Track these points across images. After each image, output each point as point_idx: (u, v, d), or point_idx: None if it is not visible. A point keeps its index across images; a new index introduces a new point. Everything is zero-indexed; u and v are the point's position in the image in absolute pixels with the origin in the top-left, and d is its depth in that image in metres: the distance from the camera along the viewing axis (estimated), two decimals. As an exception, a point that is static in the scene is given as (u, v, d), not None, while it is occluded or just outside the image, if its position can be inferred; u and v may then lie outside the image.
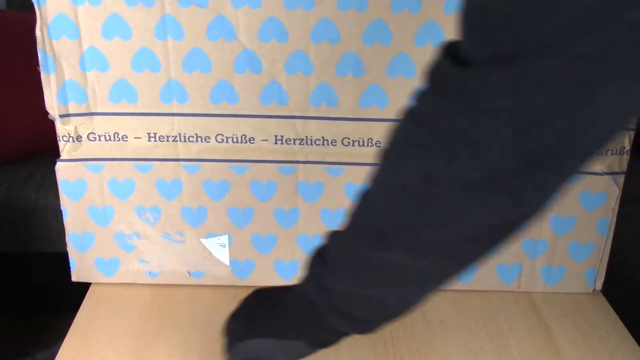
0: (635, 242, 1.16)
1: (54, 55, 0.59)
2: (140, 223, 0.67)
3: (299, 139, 0.63)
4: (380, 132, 0.63)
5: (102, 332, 0.63)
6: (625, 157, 0.64)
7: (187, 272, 0.69)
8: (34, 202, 1.30)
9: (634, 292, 1.13)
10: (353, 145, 0.64)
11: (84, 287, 0.70)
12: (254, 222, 0.67)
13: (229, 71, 0.60)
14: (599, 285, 0.70)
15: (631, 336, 0.64)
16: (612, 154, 0.64)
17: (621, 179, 0.65)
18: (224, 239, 0.68)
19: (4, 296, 1.43)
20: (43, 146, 1.36)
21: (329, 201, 0.66)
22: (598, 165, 0.64)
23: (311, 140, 0.63)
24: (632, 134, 0.63)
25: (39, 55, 0.60)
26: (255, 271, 0.69)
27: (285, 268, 0.69)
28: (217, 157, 0.64)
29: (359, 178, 0.65)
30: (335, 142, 0.63)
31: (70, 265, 0.69)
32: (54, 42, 0.59)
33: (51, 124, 0.63)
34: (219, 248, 0.68)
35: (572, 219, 0.67)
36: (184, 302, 0.67)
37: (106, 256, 0.68)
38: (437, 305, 0.67)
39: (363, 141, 0.63)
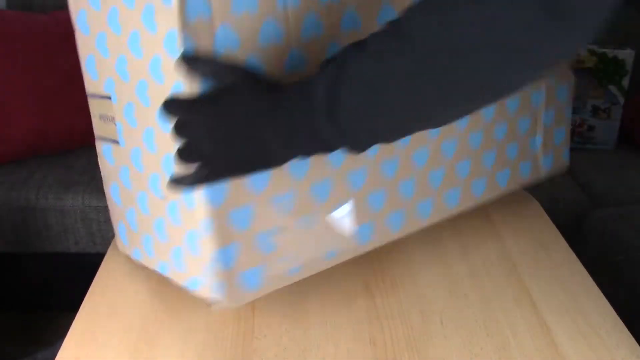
0: (636, 242, 1.16)
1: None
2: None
3: None
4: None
5: (102, 332, 0.63)
6: None
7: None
8: (34, 202, 1.30)
9: (634, 292, 1.13)
10: None
11: (84, 287, 0.70)
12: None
13: None
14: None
15: (631, 336, 0.64)
16: None
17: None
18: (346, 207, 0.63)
19: (4, 296, 1.43)
20: (43, 146, 1.36)
21: None
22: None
23: None
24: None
25: None
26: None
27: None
28: None
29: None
30: None
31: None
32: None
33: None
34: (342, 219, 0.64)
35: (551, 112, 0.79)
36: (184, 301, 0.67)
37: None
38: (437, 305, 0.67)
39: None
